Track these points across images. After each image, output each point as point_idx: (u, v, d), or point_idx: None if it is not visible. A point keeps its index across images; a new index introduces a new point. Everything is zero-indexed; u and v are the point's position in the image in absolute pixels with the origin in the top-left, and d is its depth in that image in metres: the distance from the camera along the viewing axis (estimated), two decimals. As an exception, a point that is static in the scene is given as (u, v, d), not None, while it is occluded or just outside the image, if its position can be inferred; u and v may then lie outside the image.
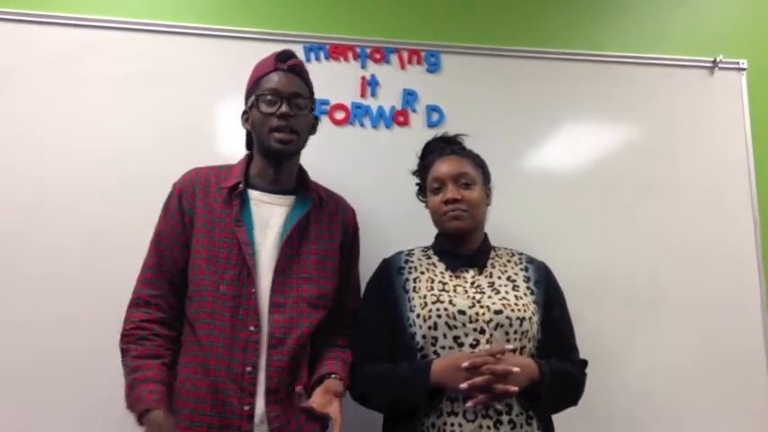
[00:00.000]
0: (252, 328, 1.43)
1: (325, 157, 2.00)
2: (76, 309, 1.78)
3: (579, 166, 2.17)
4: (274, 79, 1.53)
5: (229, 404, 1.39)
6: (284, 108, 1.50)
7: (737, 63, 2.29)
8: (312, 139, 1.98)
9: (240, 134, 1.67)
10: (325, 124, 2.03)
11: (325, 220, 1.60)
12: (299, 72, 1.58)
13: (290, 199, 1.57)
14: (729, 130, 2.25)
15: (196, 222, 1.50)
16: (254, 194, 1.55)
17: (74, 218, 1.84)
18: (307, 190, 1.60)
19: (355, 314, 1.63)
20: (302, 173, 1.64)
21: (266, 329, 1.44)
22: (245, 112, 1.59)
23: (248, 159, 1.61)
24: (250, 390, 1.40)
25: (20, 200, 1.83)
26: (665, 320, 2.08)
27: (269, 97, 1.51)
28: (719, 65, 2.27)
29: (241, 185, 1.52)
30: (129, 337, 1.45)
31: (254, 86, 1.55)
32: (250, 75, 1.61)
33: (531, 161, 2.15)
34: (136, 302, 1.48)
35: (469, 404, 1.36)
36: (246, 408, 1.39)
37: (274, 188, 1.57)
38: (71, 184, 1.85)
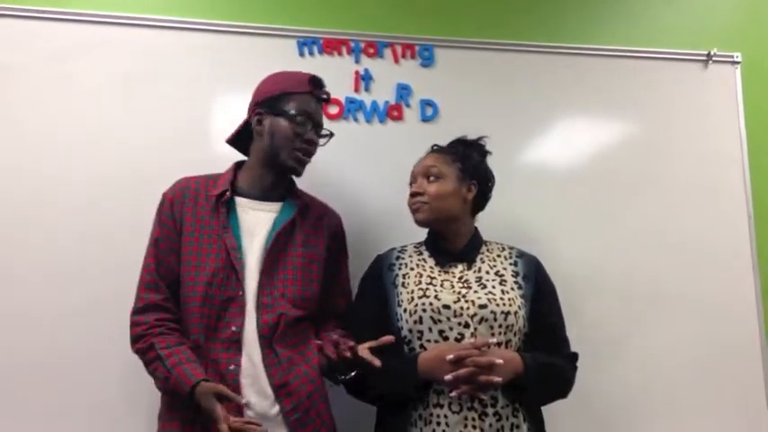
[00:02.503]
0: (234, 329, 1.46)
1: (319, 152, 1.99)
2: (72, 304, 1.81)
3: (573, 159, 2.17)
4: (311, 104, 1.60)
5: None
6: (312, 135, 1.59)
7: (732, 56, 2.29)
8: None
9: (231, 128, 1.67)
10: (318, 119, 2.05)
11: (311, 225, 1.63)
12: (324, 103, 1.68)
13: (277, 206, 1.61)
14: (724, 124, 2.25)
15: (184, 231, 1.53)
16: (241, 202, 1.58)
17: (71, 213, 1.86)
18: (293, 197, 1.63)
19: (345, 316, 1.68)
20: (291, 181, 1.67)
21: (256, 329, 1.48)
22: (260, 113, 1.59)
23: (236, 167, 1.64)
24: (235, 387, 1.42)
25: (19, 196, 1.85)
26: (662, 315, 2.08)
27: (300, 118, 1.56)
28: (714, 58, 2.27)
29: (228, 193, 1.56)
30: (149, 336, 1.44)
31: (284, 98, 1.57)
32: (276, 79, 1.62)
33: (526, 156, 2.16)
34: (144, 309, 1.48)
35: (453, 393, 1.39)
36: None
37: (264, 196, 1.60)
38: (71, 180, 1.87)
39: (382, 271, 1.63)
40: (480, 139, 1.72)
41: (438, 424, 1.42)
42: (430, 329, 1.48)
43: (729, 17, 2.37)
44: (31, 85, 1.91)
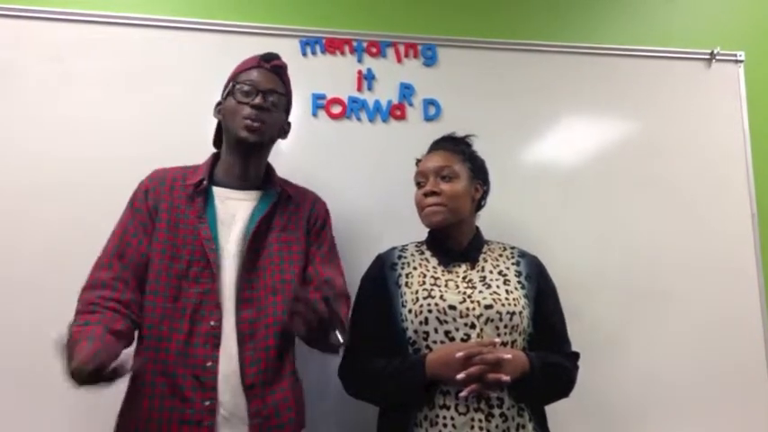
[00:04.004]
0: (212, 323, 1.43)
1: (322, 151, 2.02)
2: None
3: (576, 158, 2.17)
4: (254, 74, 1.55)
5: (189, 399, 1.38)
6: (258, 100, 1.52)
7: (735, 55, 2.29)
8: (309, 133, 2.00)
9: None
10: (321, 118, 2.04)
11: (291, 212, 1.60)
12: (280, 74, 1.59)
13: (255, 194, 1.58)
14: (727, 123, 2.25)
15: (159, 218, 1.49)
16: (218, 191, 1.56)
17: (70, 212, 1.86)
18: (272, 185, 1.60)
19: (331, 282, 1.55)
20: (269, 169, 1.65)
21: (234, 326, 1.44)
22: (218, 103, 1.61)
23: (214, 158, 1.62)
24: (211, 384, 1.39)
25: (19, 195, 1.85)
26: (663, 314, 2.08)
27: (246, 88, 1.53)
28: (717, 57, 2.27)
29: (205, 182, 1.53)
30: (78, 314, 1.35)
31: (233, 80, 1.58)
32: (233, 70, 1.61)
33: (529, 154, 2.15)
34: (91, 285, 1.41)
35: (463, 393, 1.38)
36: (207, 403, 1.38)
37: (240, 184, 1.57)
38: (71, 179, 1.87)
39: (384, 270, 1.62)
40: (467, 136, 1.72)
41: (444, 426, 1.41)
42: (436, 330, 1.47)
43: (732, 16, 2.37)
44: (30, 85, 1.90)
